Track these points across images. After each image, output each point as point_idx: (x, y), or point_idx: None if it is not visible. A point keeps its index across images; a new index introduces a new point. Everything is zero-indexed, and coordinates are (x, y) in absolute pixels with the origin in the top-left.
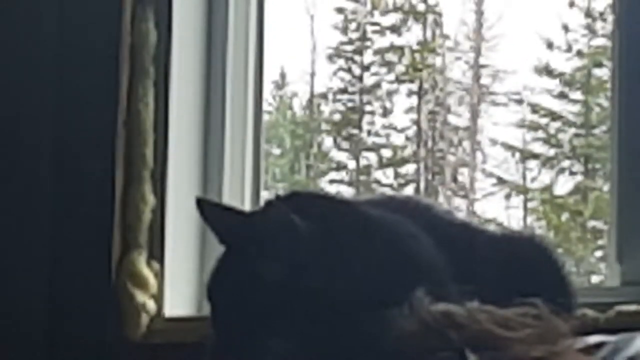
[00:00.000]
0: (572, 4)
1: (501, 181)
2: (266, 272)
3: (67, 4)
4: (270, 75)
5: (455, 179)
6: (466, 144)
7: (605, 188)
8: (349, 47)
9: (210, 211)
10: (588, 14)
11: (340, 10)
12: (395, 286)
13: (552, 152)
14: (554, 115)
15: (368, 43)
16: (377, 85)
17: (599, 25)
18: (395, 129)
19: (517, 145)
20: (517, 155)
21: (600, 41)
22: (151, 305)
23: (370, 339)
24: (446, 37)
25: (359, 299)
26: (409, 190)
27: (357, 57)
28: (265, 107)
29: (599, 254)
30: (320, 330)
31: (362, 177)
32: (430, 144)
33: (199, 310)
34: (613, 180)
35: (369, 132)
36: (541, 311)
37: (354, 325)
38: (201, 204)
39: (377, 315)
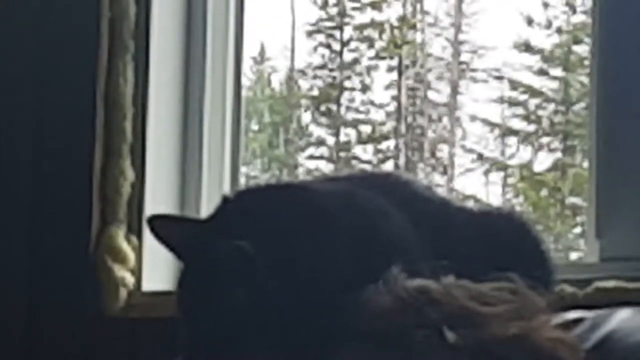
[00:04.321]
0: None
1: (480, 157)
2: (227, 298)
3: None
4: (249, 50)
5: (434, 155)
6: (446, 120)
7: (584, 164)
8: (328, 23)
9: (163, 229)
10: None
11: None
12: (365, 268)
13: (531, 128)
14: (533, 92)
15: (347, 19)
16: (357, 61)
17: (578, 1)
18: (374, 104)
19: (497, 121)
20: (497, 131)
21: (579, 18)
22: (130, 279)
23: (344, 319)
24: (426, 13)
25: (330, 290)
26: (388, 166)
27: (336, 33)
28: (245, 82)
29: (577, 230)
30: (296, 332)
31: (342, 153)
32: (409, 120)
33: None
34: (592, 157)
35: (348, 108)
36: (518, 286)
37: (328, 313)
38: (152, 222)
39: (350, 295)
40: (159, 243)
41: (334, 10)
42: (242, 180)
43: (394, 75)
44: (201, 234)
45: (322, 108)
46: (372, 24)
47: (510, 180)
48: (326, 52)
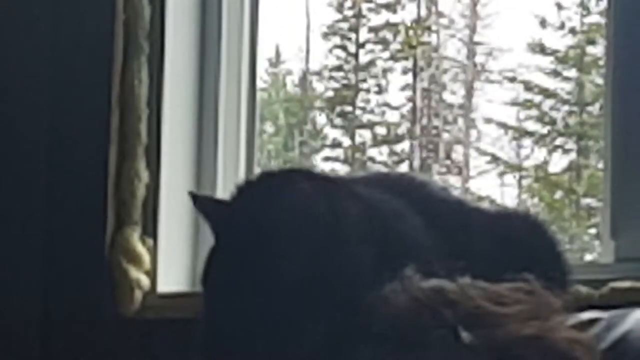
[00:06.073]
0: None
1: (495, 159)
2: (284, 272)
3: None
4: (264, 52)
5: (449, 157)
6: (461, 121)
7: (599, 165)
8: (343, 25)
9: (206, 205)
10: None
11: None
12: (379, 269)
13: (545, 129)
14: (547, 93)
15: (363, 21)
16: (372, 62)
17: (592, 2)
18: (389, 106)
19: (511, 123)
20: (511, 133)
21: (593, 19)
22: (145, 281)
23: (360, 318)
24: (441, 14)
25: (346, 289)
26: (403, 168)
27: (352, 35)
28: (260, 84)
29: (592, 231)
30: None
31: (357, 155)
32: (424, 121)
33: (192, 286)
34: (606, 158)
35: (363, 110)
36: (533, 287)
37: (343, 312)
38: (195, 199)
39: (366, 294)
40: (201, 218)
41: (349, 12)
42: None
43: (409, 77)
44: (257, 211)
45: (337, 110)
46: (387, 25)
47: (525, 182)
48: (341, 53)
